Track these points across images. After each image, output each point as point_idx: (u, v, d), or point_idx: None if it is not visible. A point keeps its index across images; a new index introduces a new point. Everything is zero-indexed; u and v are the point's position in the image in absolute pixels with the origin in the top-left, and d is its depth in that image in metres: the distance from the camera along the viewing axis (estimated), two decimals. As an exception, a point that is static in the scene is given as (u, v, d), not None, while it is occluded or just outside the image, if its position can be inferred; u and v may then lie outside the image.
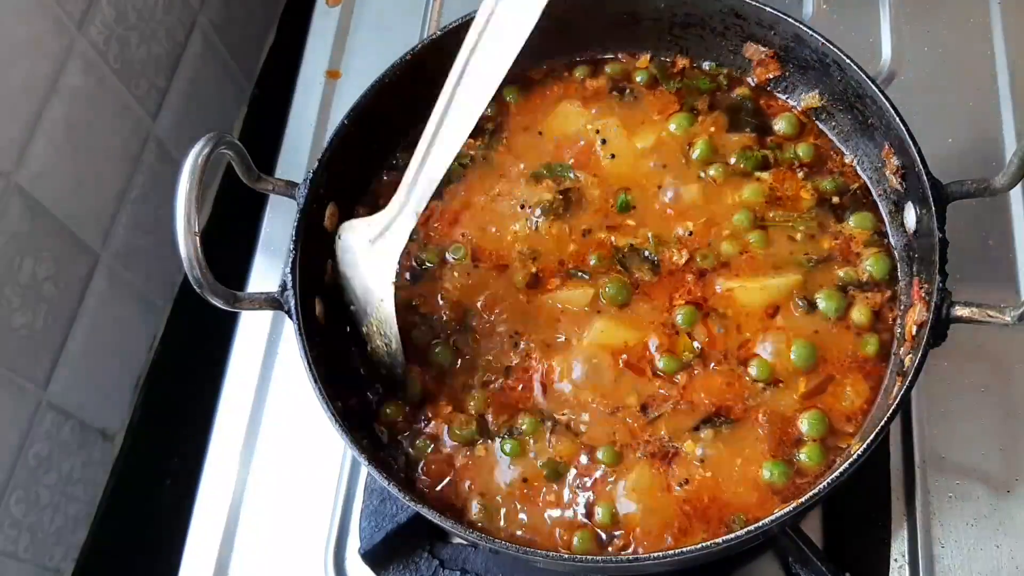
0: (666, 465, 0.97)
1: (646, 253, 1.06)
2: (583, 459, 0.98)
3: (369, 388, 1.04)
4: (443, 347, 1.04)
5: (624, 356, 1.01)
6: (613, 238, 1.07)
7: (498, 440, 1.00)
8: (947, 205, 0.94)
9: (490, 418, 1.01)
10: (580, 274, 1.06)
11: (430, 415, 1.02)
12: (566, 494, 0.97)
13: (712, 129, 1.12)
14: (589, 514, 0.96)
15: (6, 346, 1.14)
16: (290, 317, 0.96)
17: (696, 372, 1.00)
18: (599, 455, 0.98)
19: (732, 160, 1.10)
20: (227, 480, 1.18)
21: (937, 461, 1.09)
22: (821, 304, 1.01)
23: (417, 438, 1.01)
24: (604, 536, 0.95)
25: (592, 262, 1.06)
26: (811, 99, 1.11)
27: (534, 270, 1.06)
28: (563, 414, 1.00)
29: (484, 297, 1.07)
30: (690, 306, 1.02)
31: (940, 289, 0.90)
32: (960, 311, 0.89)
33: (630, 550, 0.94)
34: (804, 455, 0.95)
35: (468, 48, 0.92)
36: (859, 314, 1.01)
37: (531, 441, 0.99)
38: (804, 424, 0.96)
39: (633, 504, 0.95)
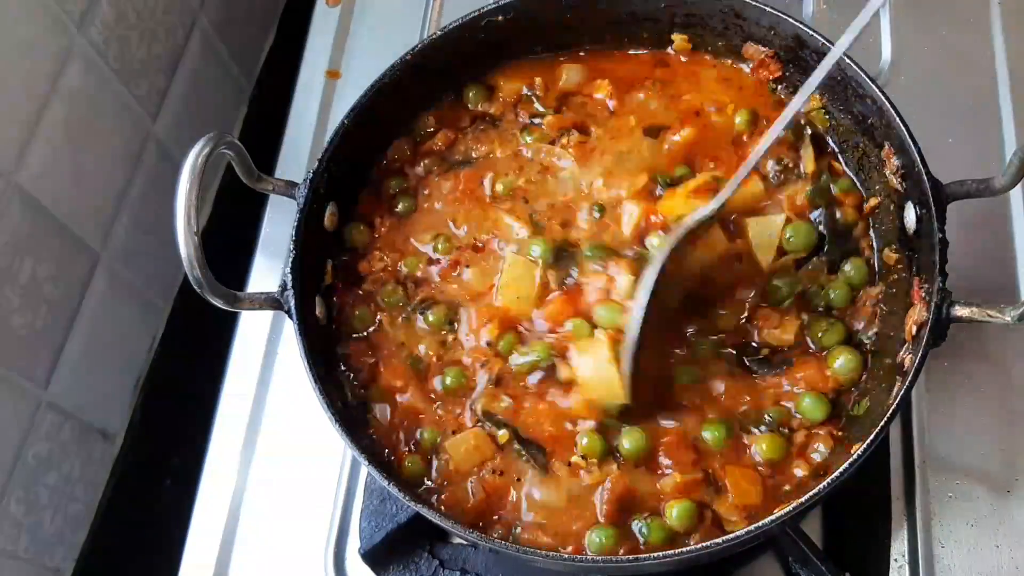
0: (496, 448, 0.98)
1: (573, 269, 1.05)
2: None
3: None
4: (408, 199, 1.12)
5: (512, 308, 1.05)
6: (569, 231, 1.08)
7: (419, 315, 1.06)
8: (947, 205, 0.94)
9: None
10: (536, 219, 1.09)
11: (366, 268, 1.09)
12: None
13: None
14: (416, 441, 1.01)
15: (6, 346, 1.14)
16: (290, 317, 0.96)
17: (548, 387, 1.00)
18: (447, 379, 1.01)
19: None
20: (227, 480, 1.18)
21: (937, 461, 1.09)
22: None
23: (356, 307, 1.06)
24: (426, 465, 0.99)
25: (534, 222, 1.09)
26: (811, 99, 1.11)
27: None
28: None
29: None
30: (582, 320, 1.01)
31: (940, 289, 0.90)
32: (960, 311, 0.89)
33: (434, 498, 0.97)
34: (646, 528, 0.93)
35: None
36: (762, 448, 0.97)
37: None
38: (673, 511, 0.93)
39: (451, 458, 0.99)
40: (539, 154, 1.13)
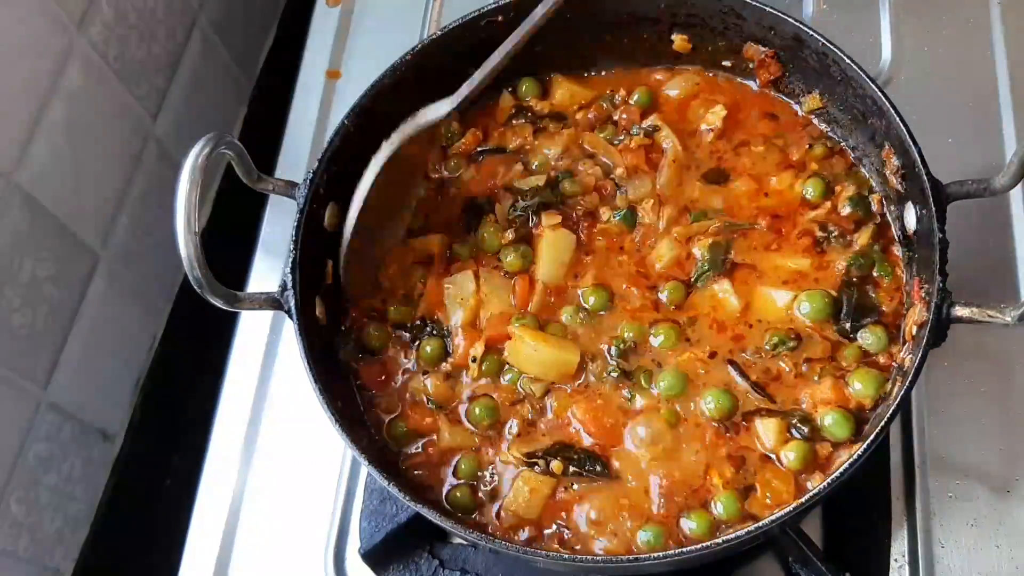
0: (554, 479, 0.98)
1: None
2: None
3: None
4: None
5: None
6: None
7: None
8: (947, 205, 0.94)
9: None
10: None
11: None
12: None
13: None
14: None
15: (6, 346, 1.14)
16: (290, 317, 0.96)
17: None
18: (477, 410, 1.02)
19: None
20: (227, 480, 1.18)
21: (937, 461, 1.09)
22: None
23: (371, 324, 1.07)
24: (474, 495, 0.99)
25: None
26: (811, 99, 1.11)
27: None
28: None
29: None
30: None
31: (940, 289, 0.90)
32: (960, 311, 0.89)
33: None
34: (694, 523, 0.94)
35: None
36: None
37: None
38: (719, 505, 0.94)
39: (516, 512, 0.97)
40: (595, 148, 1.14)
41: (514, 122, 1.17)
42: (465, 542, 1.07)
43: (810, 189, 1.08)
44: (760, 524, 0.87)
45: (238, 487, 1.17)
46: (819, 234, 1.05)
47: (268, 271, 1.29)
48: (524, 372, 1.02)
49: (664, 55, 1.18)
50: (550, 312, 1.05)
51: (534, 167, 1.14)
